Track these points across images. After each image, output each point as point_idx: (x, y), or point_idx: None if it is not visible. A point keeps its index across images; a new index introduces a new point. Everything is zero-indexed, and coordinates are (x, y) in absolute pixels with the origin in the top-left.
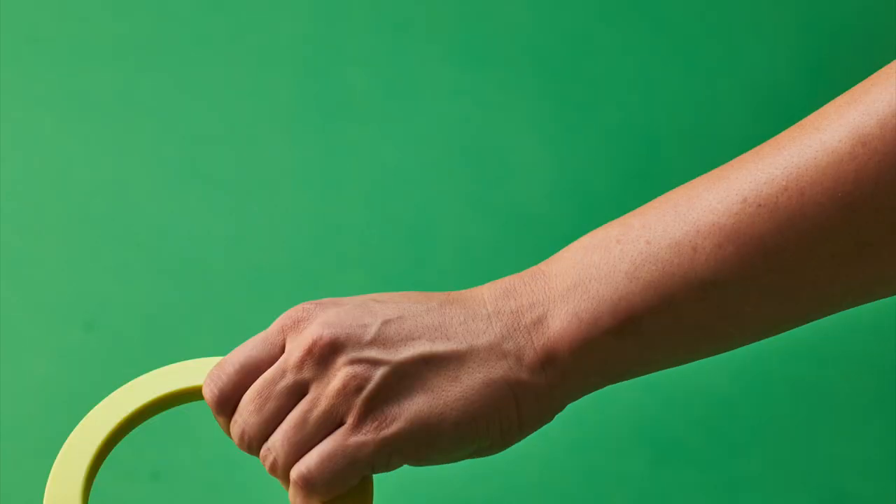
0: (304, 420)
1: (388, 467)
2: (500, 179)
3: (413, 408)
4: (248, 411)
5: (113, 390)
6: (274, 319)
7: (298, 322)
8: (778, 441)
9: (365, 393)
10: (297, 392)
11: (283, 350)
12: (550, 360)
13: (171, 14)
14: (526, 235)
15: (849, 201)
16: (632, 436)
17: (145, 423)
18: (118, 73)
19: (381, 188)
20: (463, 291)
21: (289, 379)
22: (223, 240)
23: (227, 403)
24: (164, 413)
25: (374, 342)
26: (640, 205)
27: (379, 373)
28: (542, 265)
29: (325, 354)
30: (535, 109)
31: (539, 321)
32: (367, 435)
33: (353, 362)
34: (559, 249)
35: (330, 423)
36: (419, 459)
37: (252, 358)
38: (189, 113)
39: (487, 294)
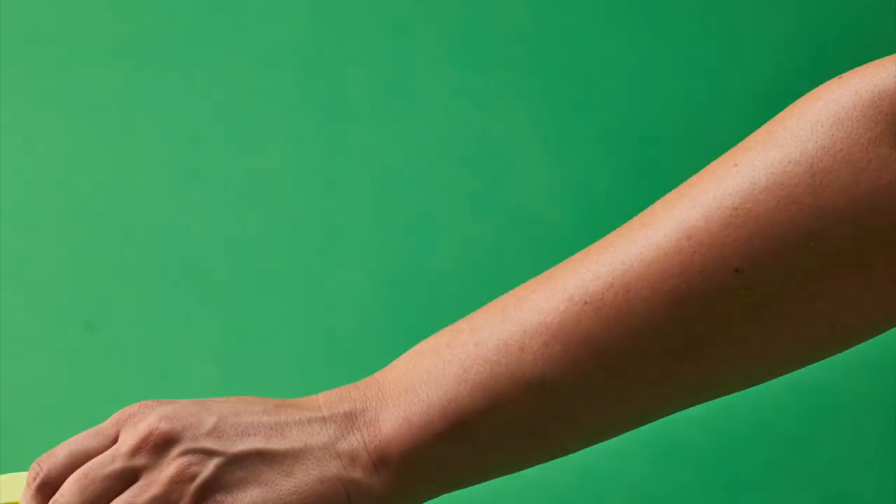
0: None
1: None
2: (499, 179)
3: (246, 499)
4: (70, 491)
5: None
6: (273, 320)
7: (134, 415)
8: (778, 441)
9: (198, 481)
10: (126, 478)
11: (115, 441)
12: (383, 462)
13: (171, 14)
14: (526, 235)
15: (676, 295)
16: (632, 436)
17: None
18: (118, 73)
19: (381, 188)
20: (299, 399)
21: (118, 464)
22: (223, 239)
23: (49, 487)
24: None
25: (211, 434)
26: (639, 205)
27: (213, 462)
28: (378, 374)
29: (159, 444)
30: (535, 109)
31: (371, 423)
32: None
33: (188, 452)
34: (558, 250)
35: None
36: None
37: (83, 446)
38: (189, 113)
39: (323, 400)
